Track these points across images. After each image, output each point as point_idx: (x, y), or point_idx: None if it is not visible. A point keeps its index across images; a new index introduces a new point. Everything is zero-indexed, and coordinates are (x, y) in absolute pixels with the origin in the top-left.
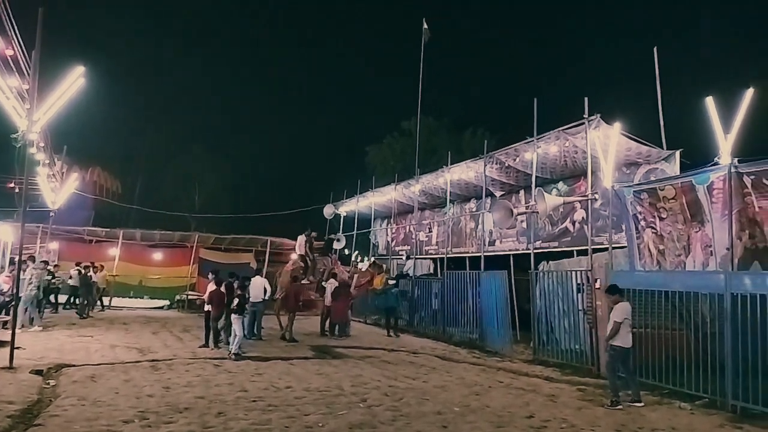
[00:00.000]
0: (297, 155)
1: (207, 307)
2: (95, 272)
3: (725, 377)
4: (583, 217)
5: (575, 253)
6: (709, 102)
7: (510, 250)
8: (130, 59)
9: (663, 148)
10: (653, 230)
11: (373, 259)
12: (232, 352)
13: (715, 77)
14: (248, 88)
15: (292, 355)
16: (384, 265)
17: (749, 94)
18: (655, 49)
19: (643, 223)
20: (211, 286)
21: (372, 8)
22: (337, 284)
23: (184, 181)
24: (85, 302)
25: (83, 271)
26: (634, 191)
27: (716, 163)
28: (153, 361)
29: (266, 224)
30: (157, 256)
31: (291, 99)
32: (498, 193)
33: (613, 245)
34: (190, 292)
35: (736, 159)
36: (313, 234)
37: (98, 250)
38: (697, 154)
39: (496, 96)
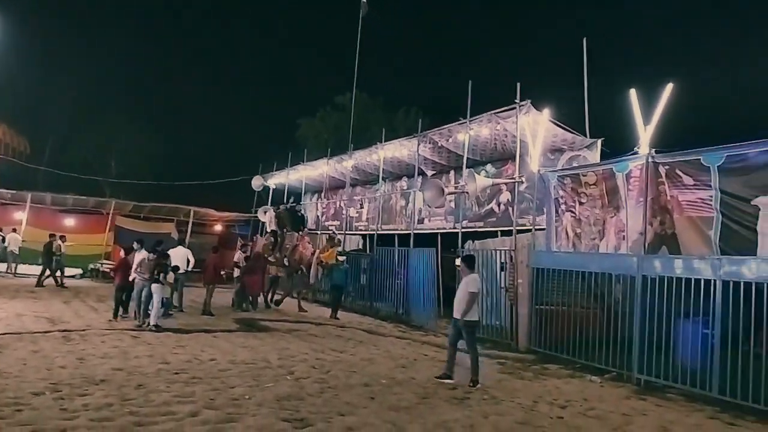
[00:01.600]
0: (225, 126)
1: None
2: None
3: (632, 353)
4: (508, 199)
5: (499, 233)
6: (632, 94)
7: (438, 229)
8: (46, 11)
9: (587, 137)
10: (572, 214)
11: (330, 233)
12: (151, 323)
13: (640, 71)
14: (176, 56)
15: (216, 328)
16: (337, 238)
17: (668, 89)
18: (584, 40)
19: (563, 206)
20: (121, 255)
21: None
22: (245, 256)
23: (101, 146)
24: None
25: None
26: (558, 176)
27: (635, 153)
28: (65, 331)
29: (191, 195)
30: (69, 222)
31: (221, 68)
32: (429, 173)
33: (535, 227)
34: (104, 261)
35: (654, 150)
36: (283, 208)
37: (2, 213)
38: (617, 144)
39: (431, 77)
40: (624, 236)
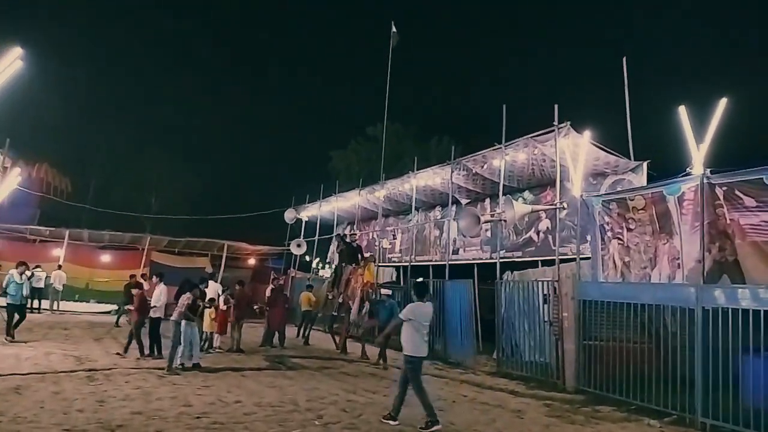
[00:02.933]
0: (260, 161)
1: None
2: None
3: (695, 394)
4: (548, 227)
5: (539, 263)
6: (682, 111)
7: (474, 259)
8: (86, 56)
9: (630, 159)
10: (620, 241)
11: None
12: (176, 363)
13: (686, 88)
14: (214, 91)
15: (244, 366)
16: (370, 254)
17: (722, 104)
18: (624, 59)
19: (609, 234)
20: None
21: (340, 11)
22: (273, 288)
23: (141, 184)
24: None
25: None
26: (602, 201)
27: (688, 174)
28: (90, 370)
29: (225, 229)
30: (106, 258)
31: (256, 103)
32: (464, 201)
33: (580, 256)
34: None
35: (709, 170)
36: (348, 235)
37: (42, 250)
38: (664, 166)
39: (464, 104)
40: (679, 264)
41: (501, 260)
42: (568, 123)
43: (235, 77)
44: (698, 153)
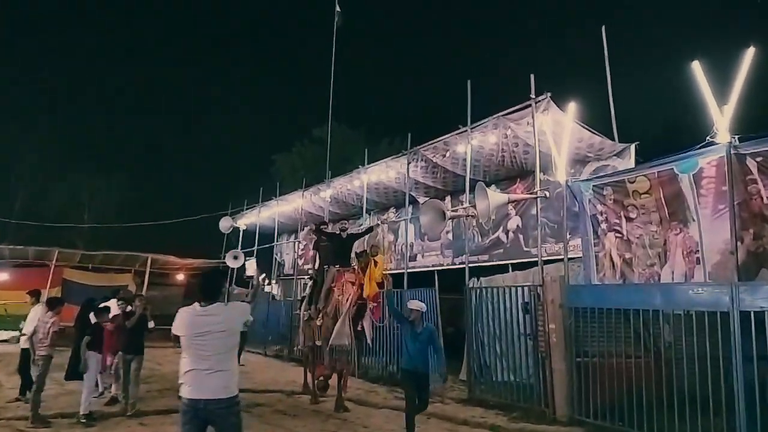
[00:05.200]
0: (198, 169)
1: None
2: None
3: (736, 419)
4: (518, 225)
5: (509, 267)
6: (696, 67)
7: (434, 266)
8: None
9: (615, 141)
10: (618, 234)
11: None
12: (81, 413)
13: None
14: (147, 97)
15: (148, 409)
16: (378, 245)
17: (749, 54)
18: (603, 28)
19: (604, 225)
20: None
21: (281, 5)
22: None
23: (71, 200)
24: None
25: None
26: (594, 186)
27: (709, 144)
28: None
29: (159, 242)
30: (3, 276)
31: (194, 108)
32: (421, 200)
33: (555, 256)
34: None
35: (737, 136)
36: (334, 224)
37: None
38: (654, 149)
39: (420, 101)
40: (698, 259)
41: (465, 265)
42: (548, 94)
43: (170, 80)
44: (722, 117)
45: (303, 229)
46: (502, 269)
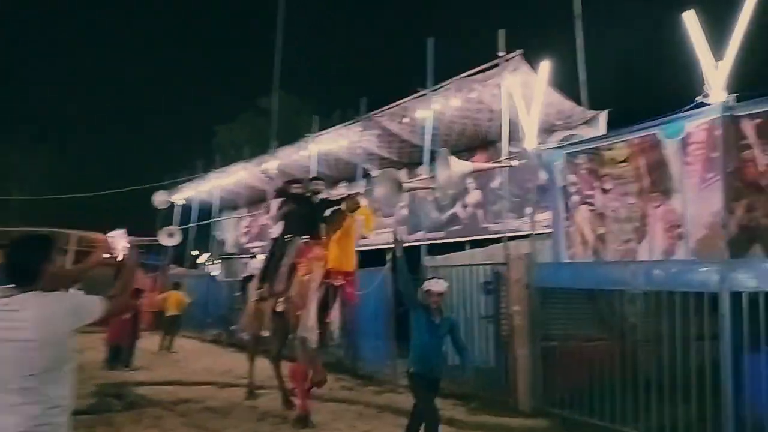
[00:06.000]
0: (134, 139)
1: None
2: None
3: (722, 407)
4: (477, 200)
5: (467, 245)
6: (690, 17)
7: (386, 244)
8: None
9: (585, 108)
10: (591, 207)
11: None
12: None
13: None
14: (78, 58)
15: None
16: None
17: (750, 2)
18: None
19: (576, 198)
20: None
21: None
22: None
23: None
24: None
25: None
26: (567, 154)
27: (699, 105)
28: None
29: (92, 217)
30: None
31: (128, 70)
32: (375, 173)
33: (516, 233)
34: None
35: (733, 96)
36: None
37: None
38: (628, 118)
39: (376, 67)
40: (681, 234)
41: (420, 243)
42: (520, 52)
43: (105, 43)
44: (716, 73)
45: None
46: (458, 247)
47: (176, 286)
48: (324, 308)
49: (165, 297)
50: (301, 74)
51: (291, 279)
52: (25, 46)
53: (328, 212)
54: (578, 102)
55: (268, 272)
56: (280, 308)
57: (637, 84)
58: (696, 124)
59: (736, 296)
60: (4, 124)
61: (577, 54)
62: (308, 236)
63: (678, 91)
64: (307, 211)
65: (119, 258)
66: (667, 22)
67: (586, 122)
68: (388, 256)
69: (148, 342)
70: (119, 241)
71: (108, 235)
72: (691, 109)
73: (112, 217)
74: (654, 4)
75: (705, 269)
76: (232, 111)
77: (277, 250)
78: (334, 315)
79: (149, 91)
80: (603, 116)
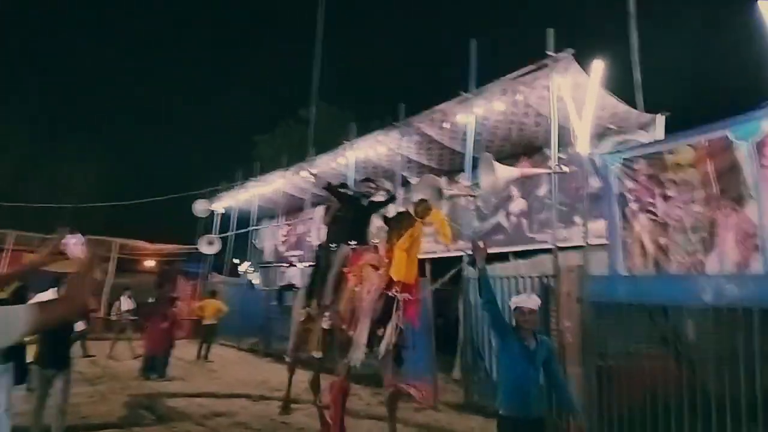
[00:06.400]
0: (178, 151)
1: None
2: None
3: None
4: (522, 209)
5: (510, 256)
6: (763, 6)
7: (426, 253)
8: None
9: (641, 111)
10: (652, 216)
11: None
12: None
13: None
14: (125, 70)
15: (81, 421)
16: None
17: None
18: None
19: (634, 206)
20: None
21: None
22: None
23: (53, 185)
24: None
25: None
26: (623, 159)
27: None
28: None
29: (136, 225)
30: None
31: (175, 85)
32: (414, 180)
33: (565, 244)
34: None
35: None
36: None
37: None
38: (685, 122)
39: (415, 73)
40: (757, 245)
41: (461, 254)
42: (571, 51)
43: (151, 58)
44: None
45: (284, 214)
46: (503, 258)
47: (213, 294)
48: (380, 321)
49: (202, 305)
50: (341, 83)
51: (339, 291)
52: (71, 56)
53: (393, 214)
54: (633, 105)
55: (315, 286)
56: (326, 325)
57: (695, 86)
58: None
59: None
60: (55, 135)
61: (631, 55)
62: (356, 241)
63: (740, 92)
64: (355, 215)
65: (73, 258)
66: (724, 22)
67: (642, 127)
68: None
69: (186, 350)
70: (75, 245)
71: (64, 240)
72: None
73: (155, 225)
74: (711, 3)
75: None
76: (273, 122)
77: (322, 260)
78: (390, 331)
79: (192, 103)
80: (660, 120)
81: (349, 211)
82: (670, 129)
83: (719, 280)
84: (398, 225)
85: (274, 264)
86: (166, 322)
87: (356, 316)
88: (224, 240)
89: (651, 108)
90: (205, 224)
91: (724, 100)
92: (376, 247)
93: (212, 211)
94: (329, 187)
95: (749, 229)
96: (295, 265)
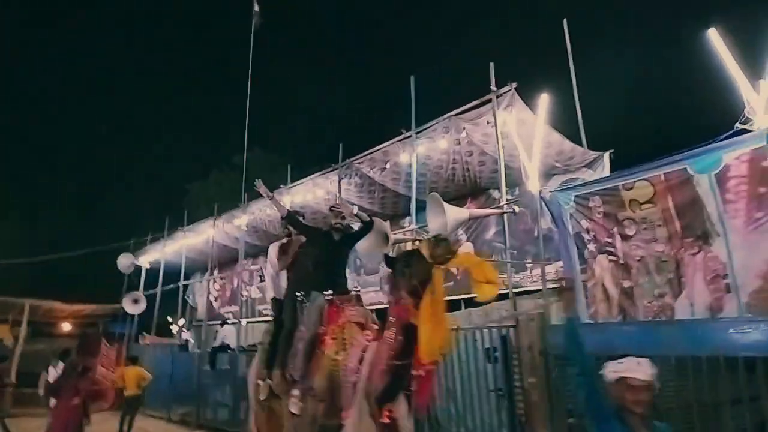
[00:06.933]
0: (105, 198)
1: None
2: None
3: None
4: (470, 253)
5: (462, 303)
6: (713, 35)
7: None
8: None
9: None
10: (611, 257)
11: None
12: None
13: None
14: (40, 112)
15: None
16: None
17: None
18: (565, 21)
19: (592, 246)
20: None
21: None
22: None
23: None
24: None
25: None
26: (576, 197)
27: (741, 133)
28: None
29: (56, 284)
30: None
31: (88, 131)
32: (356, 226)
33: (515, 288)
34: None
35: None
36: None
37: None
38: (630, 160)
39: (354, 114)
40: (728, 285)
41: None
42: (513, 85)
43: (74, 98)
44: (757, 96)
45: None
46: (453, 306)
47: (134, 360)
48: (383, 401)
49: (121, 373)
50: (278, 131)
51: (313, 360)
52: None
53: (397, 253)
54: (578, 143)
55: (277, 352)
56: (295, 408)
57: (637, 122)
58: (735, 155)
59: None
60: None
61: (573, 90)
62: (332, 289)
63: (688, 123)
64: (328, 255)
65: None
66: (658, 56)
67: (587, 164)
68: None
69: (108, 425)
70: None
71: None
72: (730, 135)
73: (78, 284)
74: (648, 36)
75: None
76: (206, 169)
77: (287, 317)
78: (400, 413)
79: (119, 151)
80: (605, 157)
81: (319, 249)
82: (615, 167)
83: (692, 326)
84: (408, 271)
85: (208, 322)
86: (77, 396)
87: (339, 397)
88: (152, 297)
89: (592, 146)
90: (130, 280)
91: (672, 135)
92: (359, 297)
93: (138, 266)
94: (290, 218)
95: (718, 268)
96: (229, 323)
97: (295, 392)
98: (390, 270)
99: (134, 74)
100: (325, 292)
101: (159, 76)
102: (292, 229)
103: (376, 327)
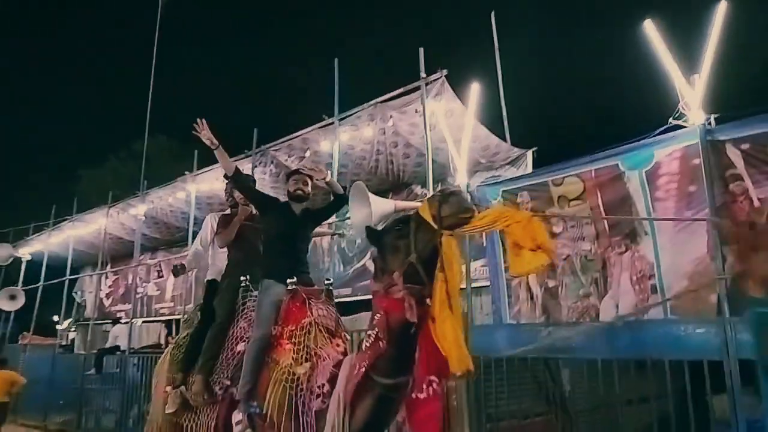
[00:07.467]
0: None
1: None
2: None
3: None
4: None
5: None
6: (649, 26)
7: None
8: None
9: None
10: None
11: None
12: None
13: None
14: None
15: None
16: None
17: (722, 9)
18: (492, 14)
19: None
20: None
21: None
22: None
23: None
24: None
25: None
26: (504, 192)
27: (674, 129)
28: None
29: None
30: None
31: None
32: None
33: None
34: None
35: (712, 116)
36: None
37: None
38: (554, 157)
39: (271, 101)
40: (654, 286)
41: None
42: (444, 72)
43: None
44: (691, 89)
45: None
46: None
47: (2, 362)
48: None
49: None
50: (185, 116)
51: (262, 370)
52: None
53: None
54: (502, 138)
55: (198, 351)
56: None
57: (563, 120)
58: (667, 152)
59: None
60: None
61: (498, 85)
62: (296, 276)
63: (619, 120)
64: (286, 230)
65: None
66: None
67: (512, 162)
68: None
69: None
70: None
71: None
72: (663, 132)
73: None
74: (581, 30)
75: (702, 331)
76: (101, 155)
77: (221, 306)
78: None
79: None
80: (528, 155)
81: (276, 223)
82: (537, 166)
83: (615, 328)
84: (403, 244)
85: (96, 321)
86: None
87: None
88: (33, 293)
89: (516, 143)
90: (8, 274)
91: (597, 132)
92: (330, 293)
93: (17, 258)
94: (238, 178)
95: (645, 268)
96: (121, 322)
97: (238, 416)
98: (377, 248)
99: (22, 44)
100: (288, 280)
101: (52, 49)
102: (237, 195)
103: (348, 338)
